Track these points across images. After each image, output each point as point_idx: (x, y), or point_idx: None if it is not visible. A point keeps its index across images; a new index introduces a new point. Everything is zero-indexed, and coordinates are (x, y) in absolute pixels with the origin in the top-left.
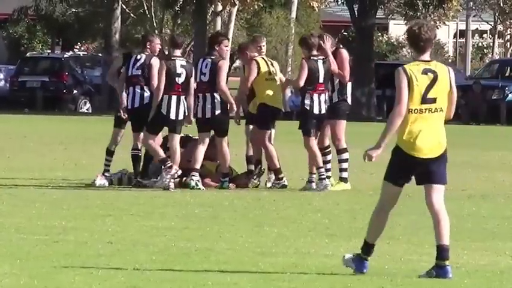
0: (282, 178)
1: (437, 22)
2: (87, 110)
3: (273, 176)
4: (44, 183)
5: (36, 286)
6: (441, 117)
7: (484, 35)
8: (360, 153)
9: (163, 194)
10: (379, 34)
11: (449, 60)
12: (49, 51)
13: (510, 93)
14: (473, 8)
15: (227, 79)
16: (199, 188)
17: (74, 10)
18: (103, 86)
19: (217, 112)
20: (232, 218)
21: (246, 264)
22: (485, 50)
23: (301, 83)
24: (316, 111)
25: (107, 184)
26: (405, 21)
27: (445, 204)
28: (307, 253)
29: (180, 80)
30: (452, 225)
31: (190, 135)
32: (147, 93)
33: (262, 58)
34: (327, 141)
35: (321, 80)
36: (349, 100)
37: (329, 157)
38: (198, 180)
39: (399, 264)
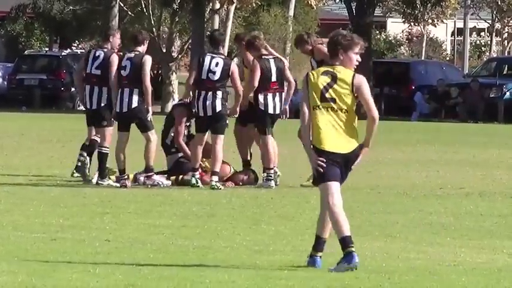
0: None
1: (436, 20)
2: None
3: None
4: (41, 181)
5: (33, 284)
6: (347, 117)
7: (482, 33)
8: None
9: (161, 192)
10: (377, 32)
11: (447, 59)
12: (47, 49)
13: (508, 91)
14: (471, 6)
15: None
16: (199, 186)
17: (71, 8)
18: None
19: (218, 109)
20: (230, 216)
21: (244, 262)
22: (483, 48)
23: (255, 83)
24: (270, 111)
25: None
26: (403, 19)
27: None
28: (304, 251)
29: (125, 72)
30: (450, 224)
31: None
32: (105, 95)
33: None
34: None
35: (274, 78)
36: None
37: None
38: (198, 178)
39: (397, 262)
